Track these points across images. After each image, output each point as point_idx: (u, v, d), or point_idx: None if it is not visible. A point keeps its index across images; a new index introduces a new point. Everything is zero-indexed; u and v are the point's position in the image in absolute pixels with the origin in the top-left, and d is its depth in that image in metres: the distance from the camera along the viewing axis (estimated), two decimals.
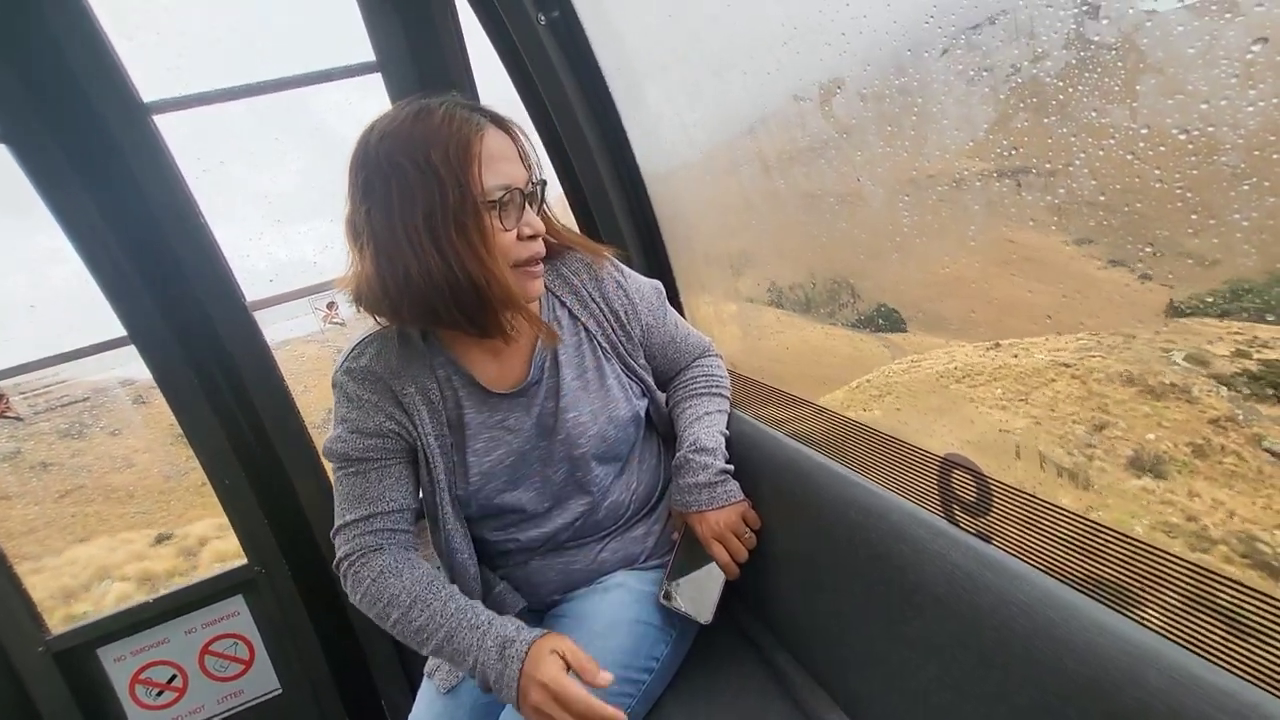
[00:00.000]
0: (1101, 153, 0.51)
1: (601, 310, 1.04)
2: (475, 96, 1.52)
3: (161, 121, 1.38)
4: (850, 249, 1.07)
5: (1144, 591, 0.65)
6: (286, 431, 1.59)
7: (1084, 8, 0.48)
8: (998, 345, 1.37)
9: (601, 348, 1.04)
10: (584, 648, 0.95)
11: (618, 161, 1.51)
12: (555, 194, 1.54)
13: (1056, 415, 1.14)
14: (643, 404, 1.09)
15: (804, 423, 1.19)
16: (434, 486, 0.98)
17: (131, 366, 1.50)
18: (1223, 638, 0.57)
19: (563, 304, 1.04)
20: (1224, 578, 0.57)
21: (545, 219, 0.96)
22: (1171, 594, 0.61)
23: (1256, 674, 0.57)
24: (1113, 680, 0.55)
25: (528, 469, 1.01)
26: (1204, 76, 0.43)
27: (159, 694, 1.61)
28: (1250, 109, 0.41)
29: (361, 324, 0.99)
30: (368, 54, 1.47)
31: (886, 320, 1.13)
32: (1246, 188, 0.43)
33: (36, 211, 1.30)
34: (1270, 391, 0.85)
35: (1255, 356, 0.84)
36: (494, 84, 1.52)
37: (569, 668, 0.84)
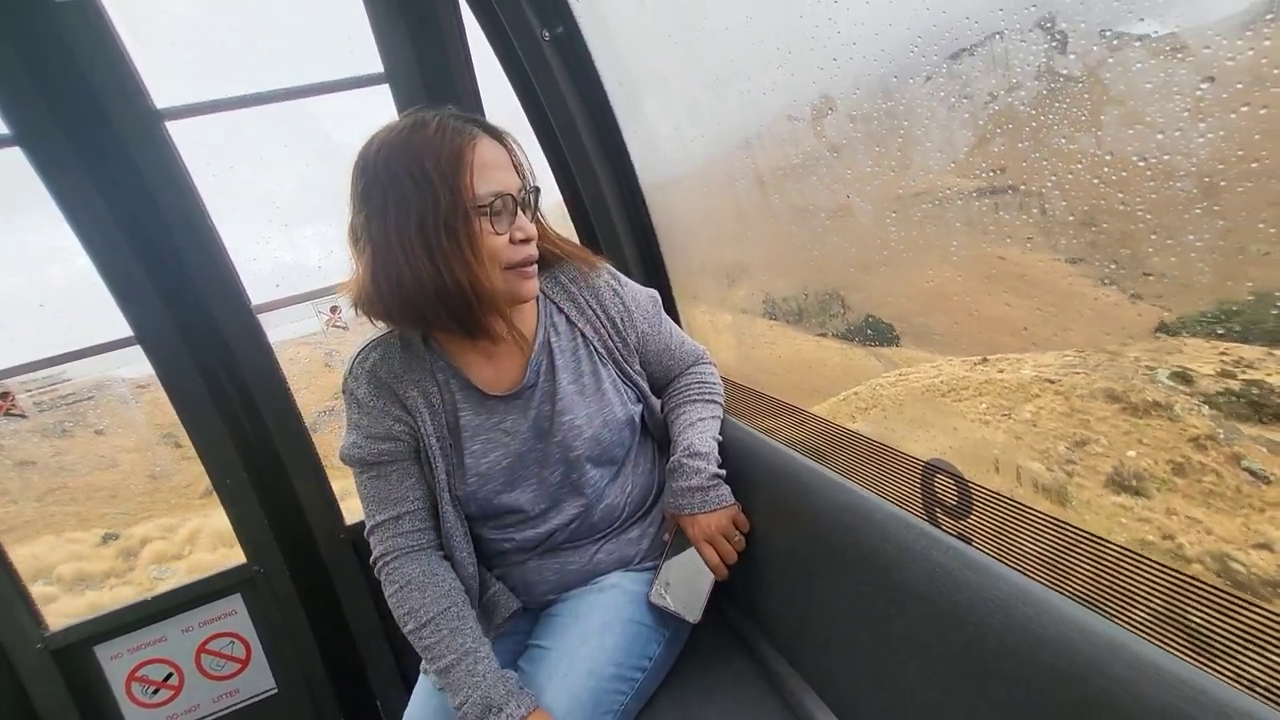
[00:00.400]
0: (1071, 175, 0.55)
1: (598, 316, 1.08)
2: (480, 108, 1.56)
3: (173, 127, 1.41)
4: (841, 262, 1.11)
5: (1113, 590, 0.68)
6: (287, 433, 1.61)
7: (1053, 43, 0.52)
8: (985, 360, 1.41)
9: (597, 353, 1.07)
10: (580, 646, 0.98)
11: (617, 172, 1.54)
12: (555, 202, 1.58)
13: (1039, 430, 1.17)
14: (637, 409, 1.12)
15: (794, 429, 1.22)
16: (435, 486, 1.01)
17: (127, 365, 1.53)
18: (1184, 630, 0.60)
19: (560, 310, 1.07)
20: (1187, 576, 0.61)
21: (541, 228, 1.01)
22: (1140, 592, 0.65)
23: (1211, 664, 0.60)
24: (1080, 671, 0.58)
25: (525, 470, 1.04)
26: (1160, 109, 0.46)
27: (155, 692, 1.62)
28: (1200, 140, 0.44)
29: (363, 328, 1.03)
30: (376, 65, 1.51)
31: (875, 332, 1.16)
32: (1199, 211, 0.47)
33: (35, 213, 1.33)
34: (1252, 411, 0.88)
35: (1240, 376, 0.86)
36: (498, 96, 1.56)
37: None
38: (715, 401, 1.17)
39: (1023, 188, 0.62)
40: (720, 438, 1.12)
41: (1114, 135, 0.51)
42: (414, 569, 0.98)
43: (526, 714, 0.87)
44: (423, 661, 1.07)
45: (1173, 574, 0.62)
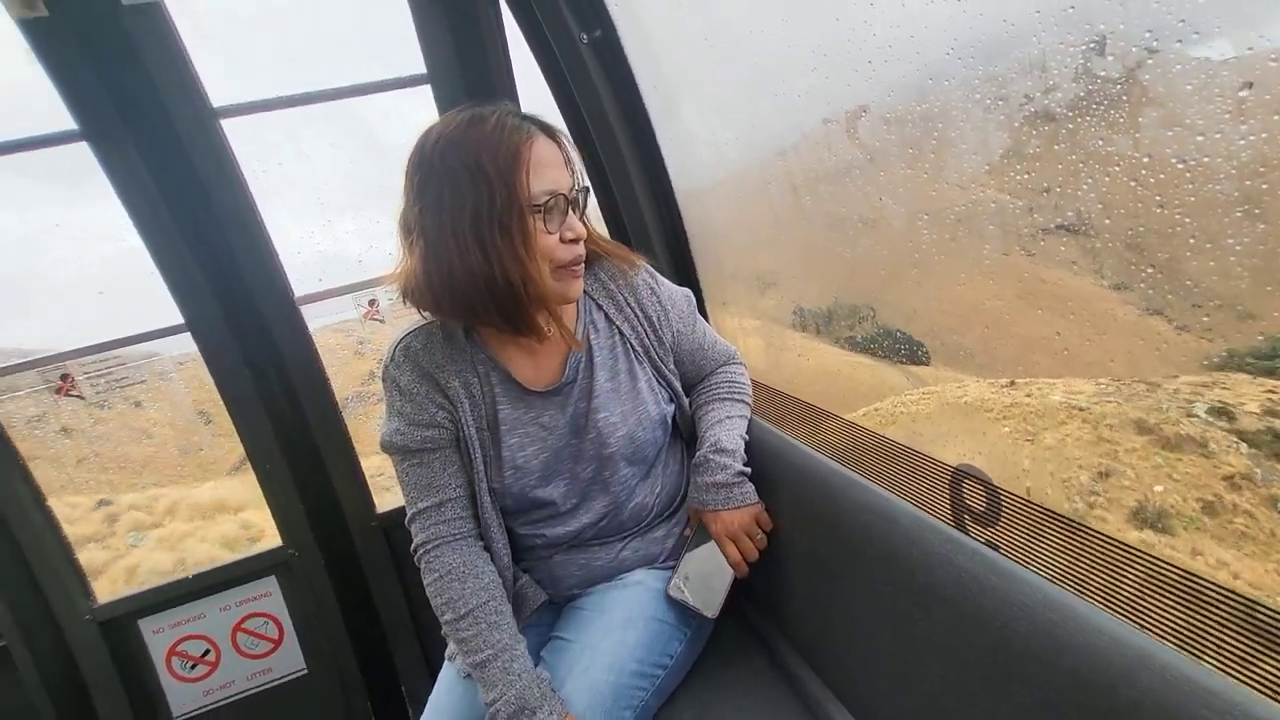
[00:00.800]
0: (1107, 178, 0.55)
1: (636, 314, 1.09)
2: (518, 108, 1.59)
3: (227, 124, 1.48)
4: (873, 273, 1.10)
5: (1146, 601, 0.67)
6: (325, 420, 1.66)
7: (1091, 45, 0.51)
8: (1013, 384, 1.36)
9: (634, 351, 1.09)
10: (602, 640, 0.99)
11: (651, 176, 1.56)
12: (589, 204, 1.60)
13: (1063, 457, 1.13)
14: (670, 409, 1.12)
15: (822, 433, 1.22)
16: (473, 477, 1.03)
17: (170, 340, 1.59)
18: (1215, 639, 0.59)
19: (599, 307, 1.08)
20: (1217, 585, 0.60)
21: (585, 226, 1.01)
22: (1169, 600, 0.63)
23: (1245, 674, 0.59)
24: (1108, 680, 0.57)
25: (559, 466, 1.05)
26: (1200, 111, 0.46)
27: (193, 666, 1.68)
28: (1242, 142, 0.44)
29: (397, 321, 1.04)
30: (418, 66, 1.56)
31: (906, 347, 1.14)
32: (1239, 214, 0.46)
33: (100, 202, 1.39)
34: None
35: None
36: (536, 97, 1.59)
37: None
38: (744, 401, 1.18)
39: (1058, 190, 0.61)
40: (747, 436, 1.13)
41: (1170, 149, 0.50)
42: (455, 558, 1.00)
43: None
44: (448, 649, 1.09)
45: (1210, 587, 0.61)
